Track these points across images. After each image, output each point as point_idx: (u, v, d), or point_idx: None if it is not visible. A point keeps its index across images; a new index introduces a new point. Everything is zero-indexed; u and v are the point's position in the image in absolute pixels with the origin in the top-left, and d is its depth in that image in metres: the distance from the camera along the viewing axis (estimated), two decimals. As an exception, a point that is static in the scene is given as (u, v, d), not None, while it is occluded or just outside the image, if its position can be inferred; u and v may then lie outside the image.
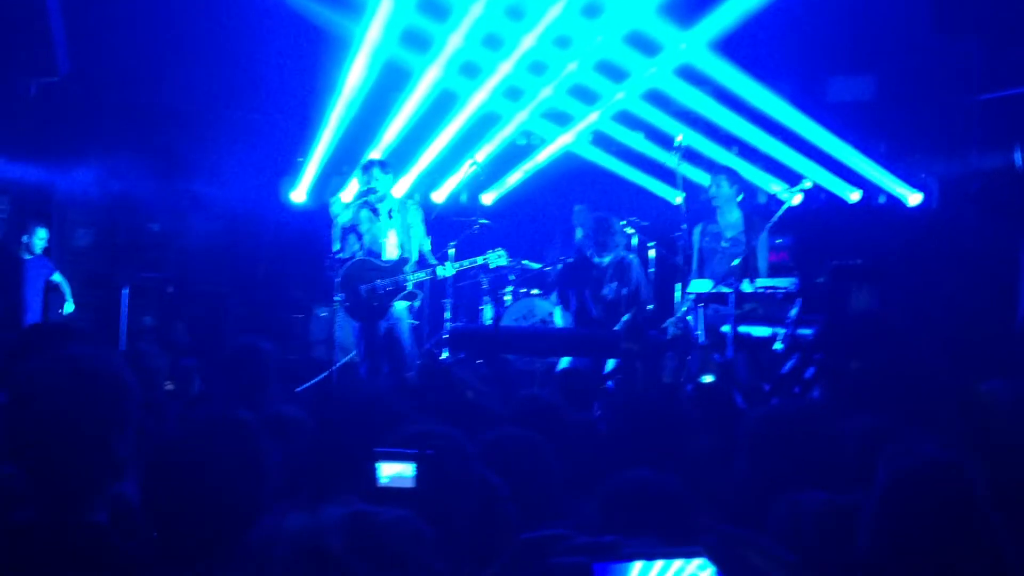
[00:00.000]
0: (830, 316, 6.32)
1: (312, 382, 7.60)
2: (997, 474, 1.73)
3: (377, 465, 2.15)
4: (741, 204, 7.44)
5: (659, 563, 1.71)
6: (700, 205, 7.87)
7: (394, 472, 2.16)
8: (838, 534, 1.95)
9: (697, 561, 1.73)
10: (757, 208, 8.71)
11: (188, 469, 2.07)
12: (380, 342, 7.42)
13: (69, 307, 9.04)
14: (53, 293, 9.03)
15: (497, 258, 7.64)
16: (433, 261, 7.46)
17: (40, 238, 8.86)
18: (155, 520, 2.05)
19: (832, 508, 1.97)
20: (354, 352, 7.85)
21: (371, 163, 7.55)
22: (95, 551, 1.90)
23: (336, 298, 7.43)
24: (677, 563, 1.72)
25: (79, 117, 9.38)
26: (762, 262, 7.05)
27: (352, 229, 7.49)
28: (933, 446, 1.74)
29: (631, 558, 1.71)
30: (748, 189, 8.24)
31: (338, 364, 8.24)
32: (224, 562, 1.90)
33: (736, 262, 6.91)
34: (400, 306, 7.40)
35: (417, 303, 7.53)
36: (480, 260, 7.60)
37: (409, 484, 2.16)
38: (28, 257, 8.82)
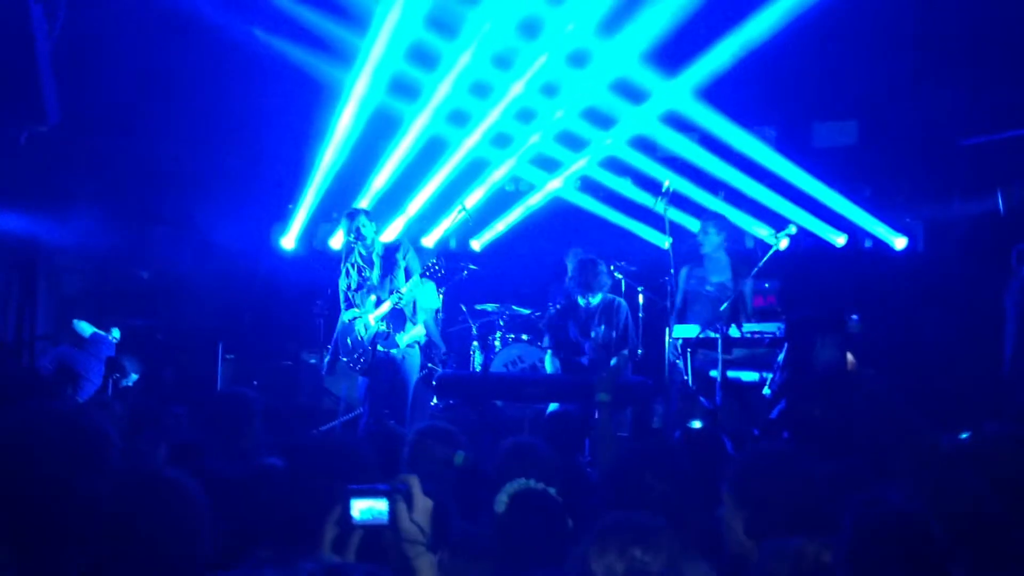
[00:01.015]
0: (793, 367, 6.44)
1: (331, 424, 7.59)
2: (956, 523, 1.73)
3: (351, 502, 2.17)
4: (728, 251, 7.57)
5: None
6: (687, 248, 7.96)
7: (367, 507, 2.18)
8: None
9: None
10: (743, 254, 8.80)
11: (118, 530, 1.99)
12: (383, 391, 7.35)
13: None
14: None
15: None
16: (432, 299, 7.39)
17: (133, 377, 8.63)
18: None
19: (808, 551, 1.97)
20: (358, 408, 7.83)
21: (356, 212, 7.56)
22: None
23: (342, 358, 7.42)
24: None
25: (69, 165, 9.41)
26: (749, 307, 7.12)
27: (346, 288, 7.50)
28: (898, 497, 1.75)
29: None
30: (736, 236, 8.34)
31: (348, 416, 8.20)
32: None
33: (724, 307, 6.96)
34: (400, 350, 7.31)
35: (403, 336, 7.40)
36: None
37: (383, 521, 2.18)
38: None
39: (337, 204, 10.06)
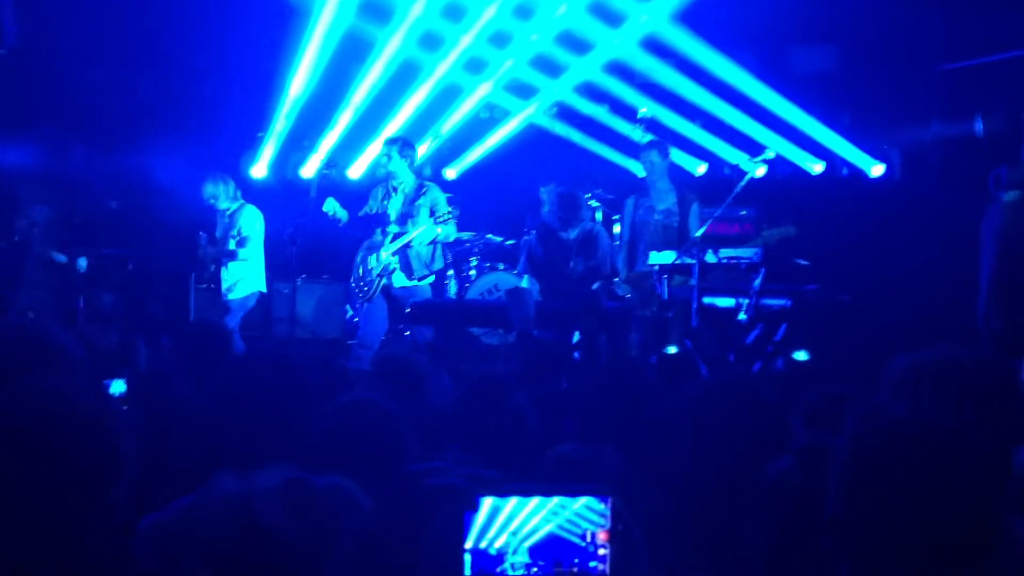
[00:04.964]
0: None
1: None
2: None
3: None
4: (673, 177, 7.58)
5: (555, 500, 1.73)
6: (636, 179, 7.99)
7: None
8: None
9: (590, 502, 1.75)
10: (689, 181, 8.82)
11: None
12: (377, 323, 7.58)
13: None
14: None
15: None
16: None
17: None
18: None
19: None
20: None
21: (395, 141, 7.73)
22: None
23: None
24: (577, 502, 1.74)
25: (30, 91, 9.16)
26: (694, 233, 7.14)
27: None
28: (903, 408, 1.66)
29: (522, 493, 1.70)
30: (678, 166, 8.42)
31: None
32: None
33: (699, 233, 6.92)
34: (405, 288, 7.46)
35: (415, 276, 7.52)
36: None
37: None
38: None
39: (308, 131, 9.88)
